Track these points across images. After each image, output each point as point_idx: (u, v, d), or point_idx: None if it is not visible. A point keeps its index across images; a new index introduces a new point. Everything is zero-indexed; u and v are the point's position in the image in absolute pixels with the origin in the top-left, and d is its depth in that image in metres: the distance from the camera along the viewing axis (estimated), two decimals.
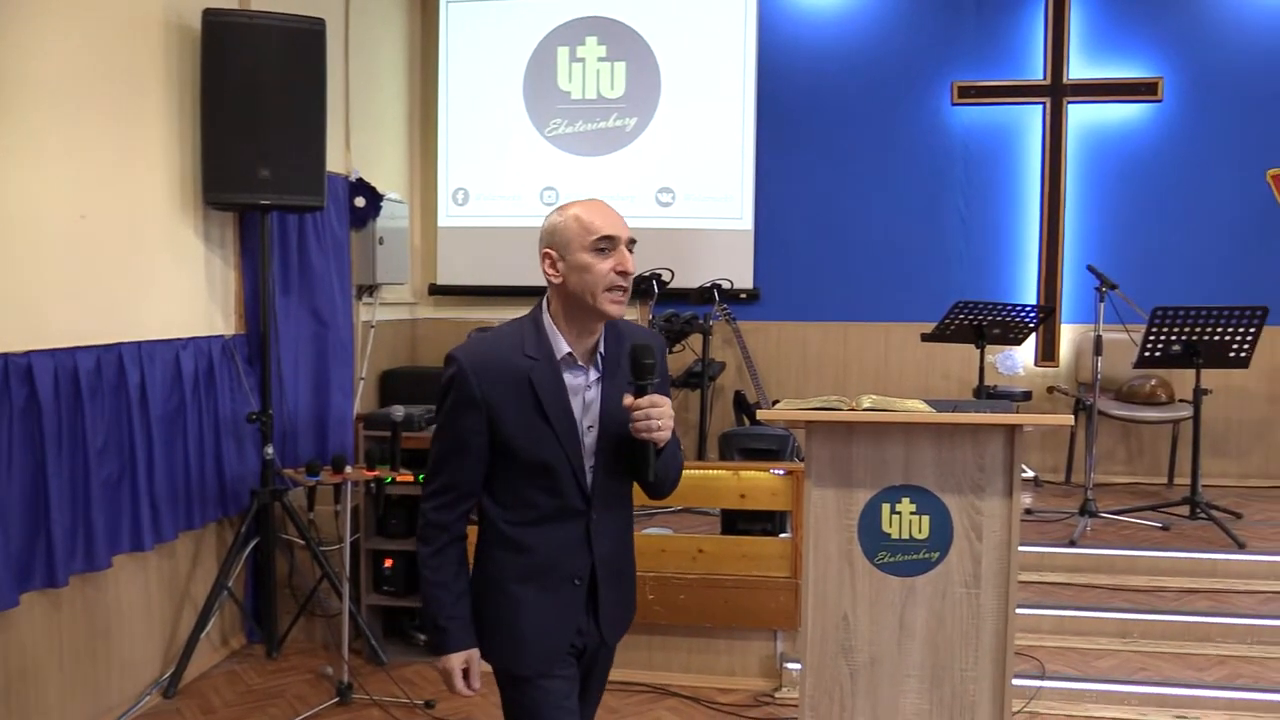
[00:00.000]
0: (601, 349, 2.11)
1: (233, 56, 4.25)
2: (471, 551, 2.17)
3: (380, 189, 5.76)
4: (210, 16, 4.22)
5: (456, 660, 2.12)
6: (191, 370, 4.20)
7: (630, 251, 2.05)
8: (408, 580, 4.47)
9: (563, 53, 6.82)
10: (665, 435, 2.02)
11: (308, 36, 4.42)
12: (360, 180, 5.63)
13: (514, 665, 2.13)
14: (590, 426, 2.09)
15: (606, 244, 2.01)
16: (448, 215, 6.93)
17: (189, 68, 4.28)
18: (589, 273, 2.00)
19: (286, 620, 4.58)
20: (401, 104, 6.72)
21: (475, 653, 2.13)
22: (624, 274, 2.02)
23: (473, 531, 2.15)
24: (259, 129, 4.29)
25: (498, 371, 2.03)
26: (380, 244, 5.81)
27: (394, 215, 6.00)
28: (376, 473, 4.06)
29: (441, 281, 6.93)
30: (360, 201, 5.59)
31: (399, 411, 4.20)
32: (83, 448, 3.60)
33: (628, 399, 2.01)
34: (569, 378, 2.07)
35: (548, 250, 2.05)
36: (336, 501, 4.05)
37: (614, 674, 4.08)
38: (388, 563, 4.51)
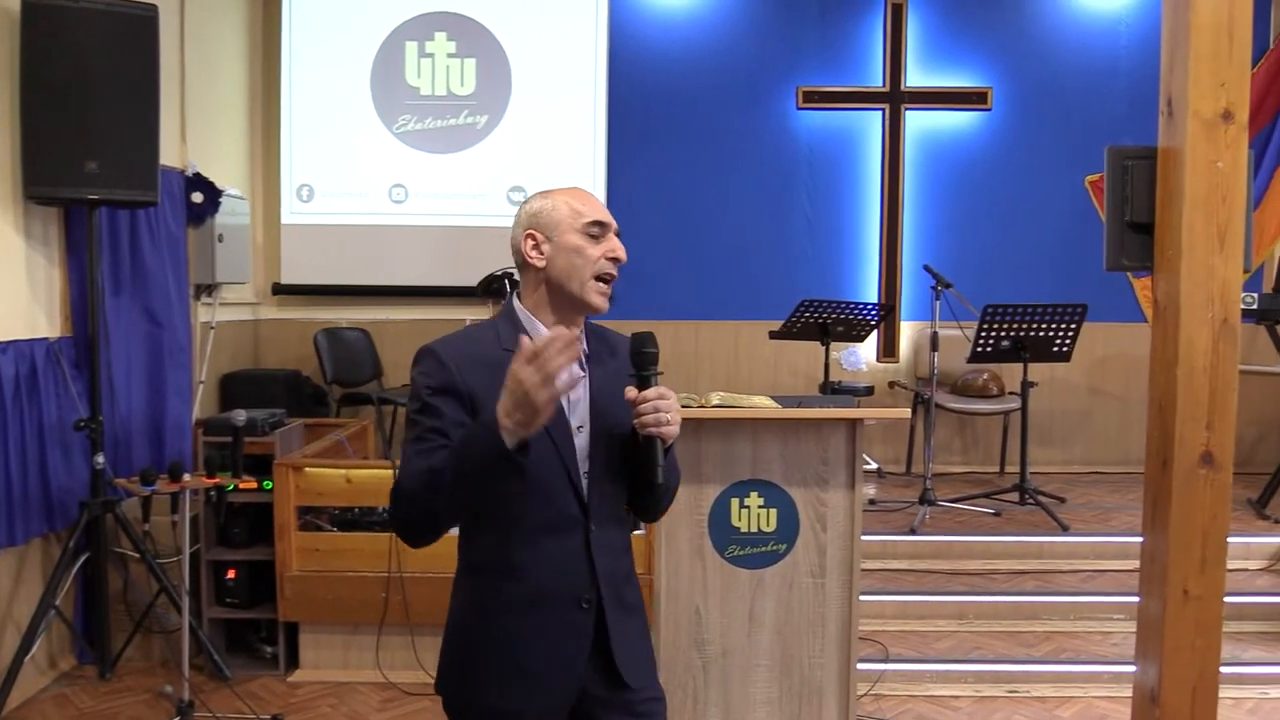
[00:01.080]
0: (584, 345, 1.94)
1: (56, 42, 4.01)
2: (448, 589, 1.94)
3: (219, 184, 5.53)
4: None
5: (522, 367, 1.63)
6: (12, 375, 3.94)
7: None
8: (251, 591, 4.32)
9: (411, 48, 6.70)
10: (674, 430, 1.85)
11: (138, 23, 4.21)
12: (197, 175, 5.40)
13: (514, 701, 1.86)
14: (580, 427, 1.90)
15: (598, 229, 1.90)
16: (291, 212, 6.70)
17: (6, 53, 4.02)
18: (580, 255, 1.87)
19: (121, 639, 4.35)
20: (242, 96, 6.47)
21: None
22: (616, 261, 1.90)
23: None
24: (86, 120, 4.06)
25: (477, 362, 1.84)
26: (219, 241, 5.59)
27: (234, 211, 5.78)
28: (217, 480, 3.90)
29: (285, 281, 6.71)
30: (198, 197, 5.35)
31: (240, 416, 4.05)
32: None
33: (630, 391, 1.83)
34: None
35: (531, 231, 1.91)
36: (174, 511, 3.87)
37: None
38: (230, 573, 4.34)
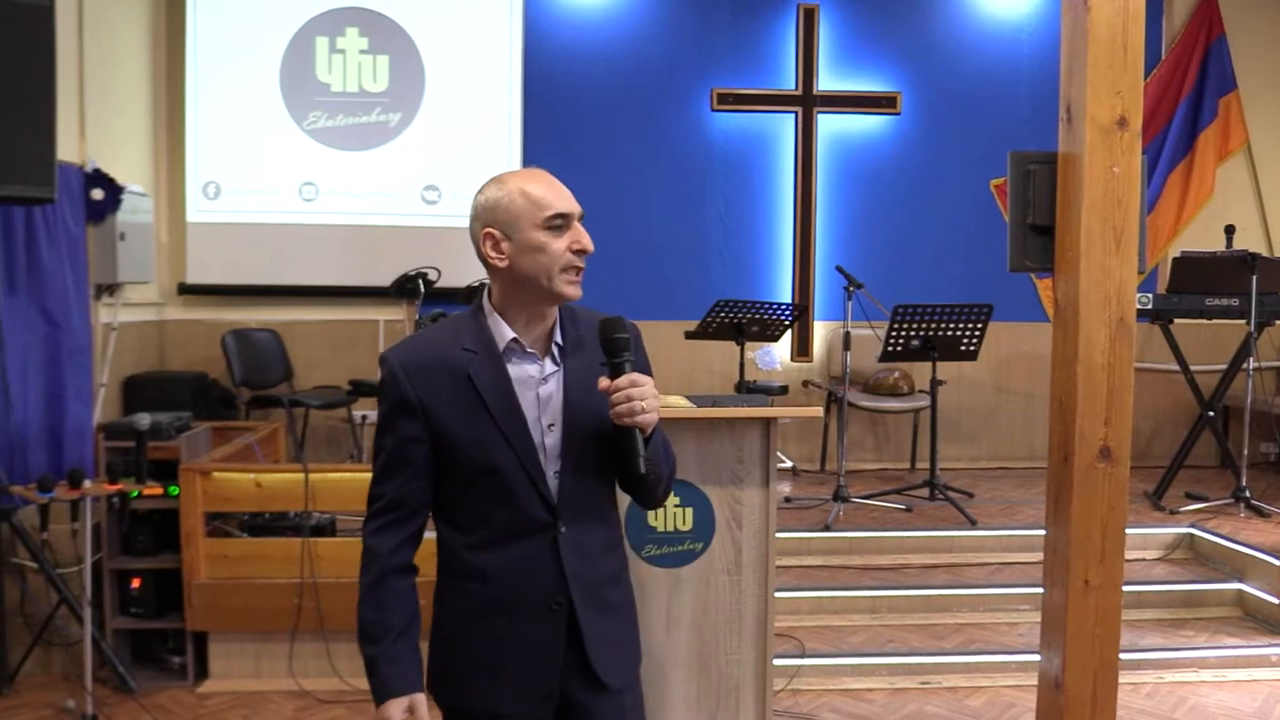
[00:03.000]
0: (558, 337, 1.85)
1: None
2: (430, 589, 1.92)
3: (121, 180, 5.37)
4: None
5: (395, 708, 1.78)
6: None
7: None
8: (157, 600, 4.19)
9: (322, 43, 6.58)
10: (651, 419, 1.75)
11: (33, 13, 4.05)
12: (97, 171, 5.23)
13: (491, 702, 1.83)
14: (551, 425, 1.81)
15: (561, 221, 1.78)
16: (198, 210, 6.52)
17: None
18: (544, 253, 1.76)
19: (19, 652, 4.18)
20: (144, 91, 6.28)
21: (420, 696, 1.81)
22: (582, 253, 1.80)
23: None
24: None
25: (432, 368, 1.79)
26: (121, 240, 5.42)
27: (136, 209, 5.60)
28: (120, 486, 3.79)
29: (191, 280, 6.53)
30: (98, 194, 5.19)
31: (144, 420, 3.93)
32: None
33: (603, 381, 1.75)
34: (517, 369, 1.82)
35: (489, 230, 1.79)
36: (74, 519, 3.75)
37: (363, 683, 4.01)
38: (135, 582, 4.21)
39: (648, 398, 1.75)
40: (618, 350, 1.77)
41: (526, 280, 1.79)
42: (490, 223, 1.80)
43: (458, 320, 1.88)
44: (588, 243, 1.82)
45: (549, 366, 1.84)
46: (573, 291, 1.81)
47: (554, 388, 1.84)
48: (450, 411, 1.79)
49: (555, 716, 1.87)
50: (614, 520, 1.94)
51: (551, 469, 1.82)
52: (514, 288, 1.82)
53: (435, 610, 1.90)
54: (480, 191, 1.84)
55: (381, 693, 1.80)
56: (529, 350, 1.83)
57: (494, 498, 1.80)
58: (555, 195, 1.81)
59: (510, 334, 1.82)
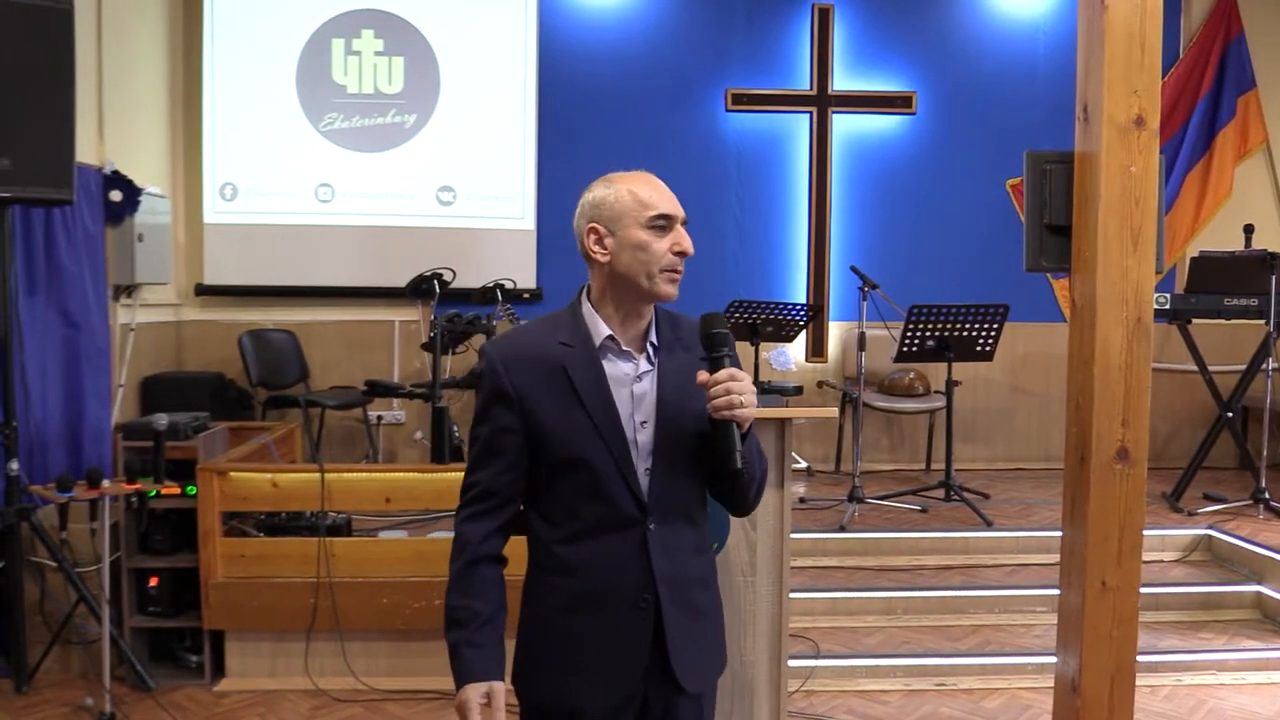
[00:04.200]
0: (653, 337, 1.89)
1: None
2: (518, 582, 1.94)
3: (139, 182, 5.41)
4: None
5: (474, 692, 1.79)
6: None
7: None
8: (175, 599, 4.22)
9: (338, 45, 6.61)
10: (749, 413, 1.76)
11: (53, 16, 4.09)
12: (116, 173, 5.27)
13: (575, 699, 1.84)
14: (644, 422, 1.84)
15: (664, 221, 1.83)
16: (215, 211, 6.56)
17: None
18: (645, 251, 1.81)
19: (38, 650, 4.21)
20: (162, 93, 6.32)
21: (499, 684, 1.81)
22: (682, 255, 1.84)
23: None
24: None
25: (530, 361, 1.84)
26: (139, 241, 5.45)
27: (154, 210, 5.64)
28: (138, 486, 3.81)
29: (209, 281, 6.57)
30: (116, 195, 5.23)
31: (162, 420, 3.95)
32: None
33: (702, 375, 1.77)
34: (613, 365, 1.85)
35: (594, 225, 1.84)
36: (93, 519, 3.77)
37: (399, 683, 4.03)
38: (153, 581, 4.23)
39: (746, 392, 1.76)
40: (718, 345, 1.79)
41: (626, 277, 1.83)
42: (595, 218, 1.85)
43: (557, 316, 1.92)
44: (688, 245, 1.85)
45: (643, 365, 1.87)
46: (670, 291, 1.85)
47: (648, 386, 1.86)
48: (545, 403, 1.82)
49: (639, 714, 1.87)
50: (702, 524, 1.96)
51: (643, 466, 1.84)
52: (613, 284, 1.85)
53: (522, 606, 1.91)
54: (588, 189, 1.89)
55: (462, 677, 1.81)
56: (624, 348, 1.87)
57: (585, 491, 1.83)
58: (661, 197, 1.85)
59: (606, 331, 1.86)
